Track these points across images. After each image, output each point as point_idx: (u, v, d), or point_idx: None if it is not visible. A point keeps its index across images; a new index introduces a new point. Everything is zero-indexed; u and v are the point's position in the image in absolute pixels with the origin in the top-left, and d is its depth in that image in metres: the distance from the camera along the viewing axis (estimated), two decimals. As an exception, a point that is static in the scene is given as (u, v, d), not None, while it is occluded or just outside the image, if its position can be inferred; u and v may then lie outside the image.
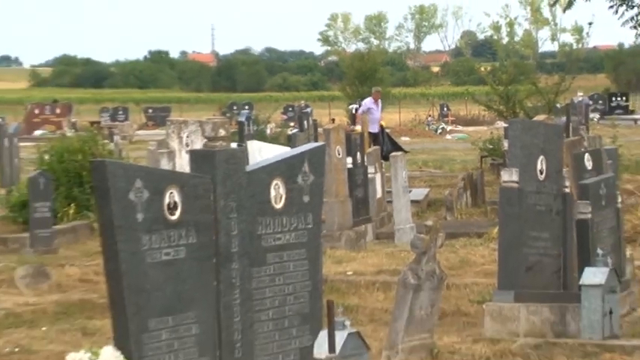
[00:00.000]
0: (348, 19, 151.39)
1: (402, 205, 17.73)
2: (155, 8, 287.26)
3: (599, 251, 10.28)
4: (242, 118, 35.67)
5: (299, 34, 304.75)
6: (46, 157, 20.25)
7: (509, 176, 10.64)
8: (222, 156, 6.42)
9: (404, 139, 42.67)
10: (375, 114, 31.27)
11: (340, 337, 8.05)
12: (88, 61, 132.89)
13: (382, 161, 21.02)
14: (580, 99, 47.49)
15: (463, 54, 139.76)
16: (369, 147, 22.65)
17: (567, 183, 10.98)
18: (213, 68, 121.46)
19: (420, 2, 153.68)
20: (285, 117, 55.50)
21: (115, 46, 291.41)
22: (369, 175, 18.93)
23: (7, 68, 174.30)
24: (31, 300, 12.86)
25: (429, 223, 10.15)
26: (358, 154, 18.67)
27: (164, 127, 24.71)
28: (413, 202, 19.22)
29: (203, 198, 6.29)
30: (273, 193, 6.64)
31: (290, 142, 26.86)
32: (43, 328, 11.29)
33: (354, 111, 39.63)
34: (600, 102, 63.35)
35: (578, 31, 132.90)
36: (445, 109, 62.02)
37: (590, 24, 72.78)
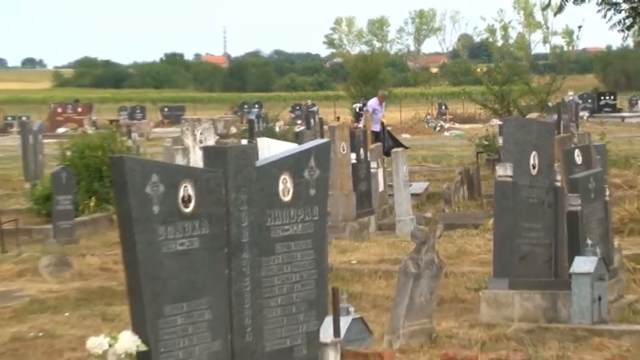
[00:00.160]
0: (352, 22, 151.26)
1: (402, 198, 17.73)
2: (171, 13, 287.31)
3: (589, 241, 10.27)
4: (252, 117, 35.68)
5: (306, 37, 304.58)
6: (68, 153, 20.28)
7: (504, 171, 10.63)
8: (234, 152, 6.42)
9: (404, 136, 42.65)
10: (379, 114, 31.34)
11: (345, 322, 8.05)
12: (107, 63, 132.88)
13: (384, 157, 21.00)
14: (570, 98, 47.43)
15: (460, 56, 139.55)
16: (372, 144, 22.62)
17: (558, 177, 10.97)
18: (225, 69, 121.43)
19: (419, 7, 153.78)
20: (292, 115, 55.49)
21: (132, 48, 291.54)
22: (372, 170, 18.94)
23: (32, 69, 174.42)
24: (55, 287, 12.88)
25: (429, 215, 10.15)
26: (362, 150, 18.68)
27: (179, 125, 24.70)
28: (413, 195, 19.22)
29: (215, 191, 6.28)
30: (281, 186, 6.63)
31: (297, 138, 26.83)
32: (66, 314, 11.30)
33: (357, 109, 39.62)
34: (589, 101, 63.25)
35: (568, 34, 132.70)
36: (443, 107, 62.00)
37: (579, 27, 72.77)
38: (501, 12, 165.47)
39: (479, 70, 51.49)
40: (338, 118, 44.81)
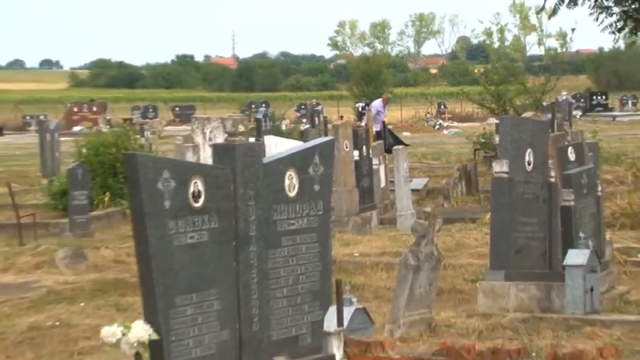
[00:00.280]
0: (355, 25, 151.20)
1: (403, 193, 17.72)
2: (182, 17, 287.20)
3: (581, 235, 10.27)
4: (259, 116, 35.62)
5: (311, 40, 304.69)
6: (84, 150, 20.29)
7: (500, 167, 10.63)
8: (242, 149, 6.42)
9: (405, 134, 42.62)
10: (381, 116, 31.41)
11: (348, 312, 8.06)
12: (121, 64, 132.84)
13: (385, 154, 20.99)
14: (564, 98, 47.33)
15: (458, 57, 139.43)
16: (374, 141, 22.61)
17: (552, 173, 10.96)
18: (234, 70, 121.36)
19: (419, 10, 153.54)
20: (298, 114, 55.39)
21: (145, 50, 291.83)
22: (374, 167, 18.93)
23: (49, 70, 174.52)
24: (70, 279, 12.90)
25: (428, 209, 10.18)
26: (364, 147, 18.67)
27: (189, 124, 24.70)
28: (413, 190, 19.20)
29: (224, 187, 6.28)
30: (287, 182, 6.63)
31: (302, 136, 26.81)
32: (81, 304, 11.31)
33: (360, 109, 39.61)
34: (582, 100, 63.15)
35: (562, 36, 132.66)
36: (442, 107, 61.93)
37: (573, 30, 72.72)
38: (498, 15, 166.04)
39: (476, 70, 51.50)
40: (341, 117, 44.78)
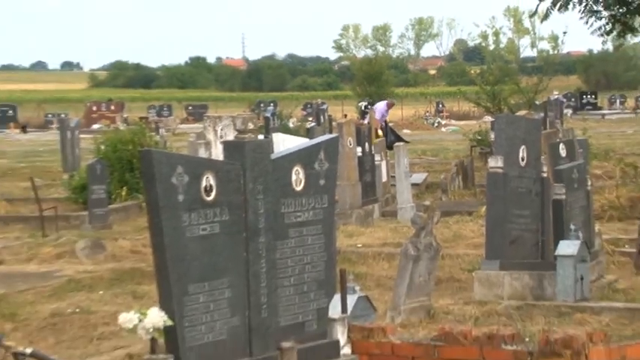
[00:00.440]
0: (358, 29, 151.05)
1: (403, 187, 17.71)
2: (195, 21, 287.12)
3: (572, 227, 10.26)
4: (268, 114, 35.70)
5: (316, 42, 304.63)
6: (102, 147, 20.31)
7: (495, 163, 10.62)
8: (251, 146, 6.41)
9: (405, 131, 42.61)
10: (385, 117, 31.46)
11: (351, 300, 8.06)
12: (137, 66, 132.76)
13: (387, 150, 20.98)
14: (555, 97, 47.26)
15: (456, 59, 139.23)
16: (376, 139, 22.60)
17: (545, 168, 10.95)
18: (244, 71, 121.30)
19: (419, 15, 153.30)
20: (304, 113, 55.41)
21: (160, 52, 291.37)
22: (376, 162, 18.92)
23: (70, 72, 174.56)
24: (90, 268, 12.90)
25: (427, 203, 10.16)
26: (367, 144, 18.66)
27: (202, 122, 24.72)
28: (413, 185, 19.19)
29: (234, 182, 6.28)
30: (294, 177, 6.62)
31: (309, 134, 26.80)
32: (100, 292, 11.31)
33: (363, 108, 39.61)
34: (573, 100, 63.12)
35: (554, 39, 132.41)
36: (440, 105, 61.89)
37: (564, 33, 72.54)
38: (493, 19, 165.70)
39: (473, 71, 51.40)
40: (345, 115, 44.71)
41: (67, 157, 27.85)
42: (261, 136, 20.31)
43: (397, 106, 56.67)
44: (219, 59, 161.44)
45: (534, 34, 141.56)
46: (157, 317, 5.85)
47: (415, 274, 9.52)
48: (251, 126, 15.20)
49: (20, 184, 23.31)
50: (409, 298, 9.45)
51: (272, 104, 59.31)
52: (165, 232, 5.93)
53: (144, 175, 6.05)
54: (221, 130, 16.43)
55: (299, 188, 6.65)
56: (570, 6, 21.81)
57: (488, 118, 35.22)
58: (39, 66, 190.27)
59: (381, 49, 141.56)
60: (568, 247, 9.98)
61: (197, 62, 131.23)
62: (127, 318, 5.91)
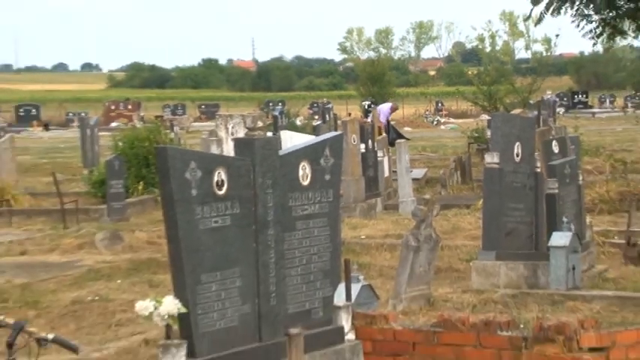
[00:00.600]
0: (362, 32, 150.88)
1: (405, 182, 17.70)
2: (207, 25, 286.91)
3: (564, 219, 10.25)
4: (276, 113, 35.65)
5: (322, 45, 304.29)
6: (120, 144, 20.32)
7: (492, 159, 10.60)
8: (260, 143, 6.40)
9: (406, 129, 42.56)
10: (387, 118, 31.49)
11: (355, 288, 8.05)
12: (153, 67, 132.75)
13: (389, 147, 20.96)
14: (548, 96, 47.17)
15: (454, 60, 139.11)
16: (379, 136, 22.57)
17: (538, 164, 10.93)
18: (253, 72, 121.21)
19: (419, 19, 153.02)
20: (311, 112, 55.33)
21: (175, 54, 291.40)
22: (379, 158, 18.91)
23: (89, 73, 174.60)
24: (108, 258, 12.91)
25: (427, 196, 10.15)
26: (370, 141, 18.65)
27: (214, 120, 24.70)
28: (414, 179, 19.18)
29: (245, 177, 6.27)
30: (301, 172, 6.62)
31: (315, 131, 26.78)
32: (118, 281, 11.32)
33: (366, 107, 39.58)
34: (565, 99, 63.06)
35: (547, 41, 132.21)
36: (440, 105, 61.86)
37: (557, 36, 72.43)
38: (489, 23, 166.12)
39: (470, 72, 51.43)
40: (349, 114, 44.64)
41: (86, 154, 27.88)
42: (269, 134, 20.31)
43: (398, 106, 56.76)
44: (230, 61, 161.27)
45: (528, 36, 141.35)
46: (171, 305, 5.85)
47: (416, 264, 9.51)
48: (260, 124, 15.22)
49: (43, 179, 23.35)
50: (410, 286, 9.44)
51: (280, 103, 59.32)
52: (180, 224, 5.92)
53: (159, 170, 6.05)
54: (232, 127, 16.43)
55: (306, 183, 6.64)
56: (563, 10, 21.79)
57: (485, 117, 35.14)
58: (60, 67, 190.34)
59: (383, 51, 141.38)
60: (560, 239, 9.96)
61: (209, 64, 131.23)
62: (144, 305, 5.90)
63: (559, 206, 10.58)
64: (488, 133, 19.49)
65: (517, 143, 10.76)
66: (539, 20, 22.12)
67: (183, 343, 5.87)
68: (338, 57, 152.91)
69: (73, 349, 5.69)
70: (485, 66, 49.05)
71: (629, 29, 22.93)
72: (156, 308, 5.85)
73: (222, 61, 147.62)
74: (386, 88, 58.69)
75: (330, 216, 6.77)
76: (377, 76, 58.85)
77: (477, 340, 6.74)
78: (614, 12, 21.85)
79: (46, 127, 53.58)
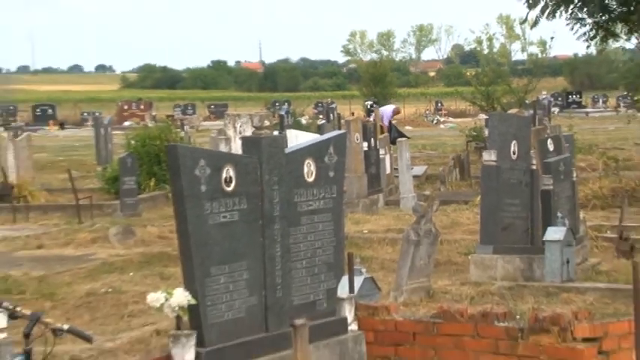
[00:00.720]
0: (365, 35, 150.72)
1: (405, 179, 17.69)
2: (216, 28, 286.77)
3: (559, 214, 10.24)
4: (282, 112, 35.67)
5: (326, 47, 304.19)
6: (133, 142, 20.32)
7: (489, 156, 10.59)
8: (267, 141, 6.40)
9: (407, 128, 42.53)
10: (390, 120, 31.44)
11: (358, 281, 8.05)
12: (164, 69, 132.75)
13: (390, 145, 20.94)
14: (544, 97, 47.20)
15: (453, 62, 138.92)
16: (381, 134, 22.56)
17: (534, 161, 10.92)
18: (260, 74, 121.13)
19: (420, 22, 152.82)
20: (315, 111, 55.33)
21: (185, 56, 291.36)
22: (381, 156, 18.90)
23: (103, 74, 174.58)
24: (121, 252, 12.92)
25: (427, 193, 10.13)
26: (372, 139, 18.64)
27: (222, 119, 24.69)
28: (414, 176, 19.17)
29: (252, 173, 6.26)
30: (306, 169, 6.61)
31: (319, 130, 26.76)
32: (130, 274, 11.32)
33: (369, 106, 39.52)
34: (559, 99, 63.00)
35: (542, 43, 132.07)
36: (439, 104, 61.79)
37: (552, 38, 72.42)
38: (487, 26, 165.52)
39: (468, 73, 51.34)
40: (353, 113, 44.61)
41: (100, 152, 27.89)
42: (276, 132, 20.31)
43: (399, 105, 56.68)
44: (238, 62, 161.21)
45: (524, 39, 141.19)
46: (181, 297, 5.85)
47: (416, 257, 9.50)
48: (267, 123, 15.22)
49: (58, 176, 23.38)
50: (410, 279, 9.44)
51: (286, 103, 59.27)
52: (189, 219, 5.92)
53: (170, 167, 6.04)
54: (240, 126, 16.43)
55: (310, 179, 6.63)
56: (557, 14, 21.79)
57: (483, 116, 35.11)
58: (76, 69, 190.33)
59: (385, 53, 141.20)
60: (555, 233, 9.95)
61: (218, 65, 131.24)
62: (155, 297, 5.90)
63: (554, 202, 10.57)
64: (486, 131, 19.50)
65: (513, 141, 10.75)
66: (535, 23, 22.10)
67: (192, 334, 5.87)
68: (342, 59, 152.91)
69: (87, 339, 5.69)
70: (483, 67, 48.99)
71: (621, 32, 22.91)
72: (167, 300, 5.85)
73: (231, 63, 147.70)
74: (388, 89, 58.63)
75: (333, 211, 6.76)
76: (379, 77, 58.79)
77: (474, 330, 6.73)
78: (606, 15, 21.83)
79: (61, 126, 53.62)
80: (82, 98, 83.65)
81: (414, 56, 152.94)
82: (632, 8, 21.11)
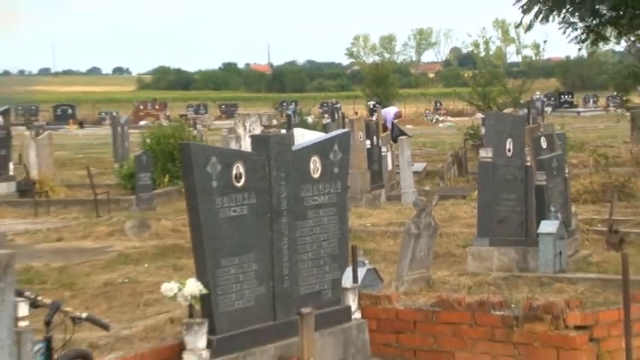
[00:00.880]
0: (368, 38, 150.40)
1: (406, 175, 17.68)
2: (227, 32, 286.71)
3: (552, 208, 10.22)
4: (290, 112, 35.64)
5: (331, 50, 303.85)
6: (148, 140, 20.32)
7: (486, 153, 10.57)
8: (275, 139, 6.39)
9: (408, 126, 42.48)
10: (392, 122, 31.41)
11: (361, 272, 8.04)
12: (178, 71, 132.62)
13: (392, 143, 20.93)
14: (537, 97, 47.10)
15: (451, 64, 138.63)
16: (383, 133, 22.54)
17: (528, 158, 10.90)
18: (269, 75, 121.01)
19: (420, 26, 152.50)
20: (321, 111, 55.29)
21: (197, 59, 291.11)
22: (383, 153, 18.89)
23: (120, 76, 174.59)
24: (137, 244, 12.92)
25: (427, 188, 10.11)
26: (374, 137, 18.63)
27: (233, 119, 24.69)
28: (415, 173, 19.16)
29: (261, 170, 6.25)
30: (312, 166, 6.60)
31: (324, 129, 26.74)
32: (145, 265, 11.32)
33: (371, 106, 39.47)
34: (552, 99, 62.90)
35: (536, 46, 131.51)
36: (438, 104, 61.74)
37: (545, 42, 72.30)
38: (484, 30, 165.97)
39: (466, 75, 51.22)
40: (356, 112, 44.61)
41: (117, 149, 27.90)
42: (283, 131, 20.28)
43: (401, 105, 56.68)
44: (247, 65, 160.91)
45: (519, 42, 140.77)
46: (194, 286, 5.85)
47: (416, 249, 9.49)
48: (275, 122, 15.18)
49: (78, 173, 23.39)
50: (411, 270, 9.43)
51: (293, 103, 59.22)
52: (201, 213, 5.91)
53: (183, 164, 6.04)
54: (249, 125, 16.42)
55: (316, 175, 6.62)
56: (550, 18, 21.79)
57: (480, 115, 35.06)
58: (94, 71, 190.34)
59: (387, 55, 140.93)
60: (548, 226, 9.93)
61: (229, 67, 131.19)
62: (169, 287, 5.90)
63: (547, 197, 10.55)
64: (483, 130, 19.45)
65: (509, 139, 10.73)
66: (529, 27, 22.09)
67: (204, 322, 5.87)
68: (346, 61, 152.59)
69: (105, 327, 5.69)
70: (480, 69, 48.79)
71: (610, 35, 22.91)
72: (180, 290, 5.85)
73: (241, 65, 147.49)
74: (389, 90, 58.55)
75: (338, 206, 6.75)
76: (381, 78, 58.72)
77: (472, 318, 6.72)
78: (597, 20, 21.81)
79: (81, 125, 53.66)
80: (100, 99, 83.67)
81: (414, 58, 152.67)
82: (621, 13, 21.10)
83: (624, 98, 47.33)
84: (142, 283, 10.16)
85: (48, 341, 5.35)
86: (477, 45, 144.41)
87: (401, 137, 19.73)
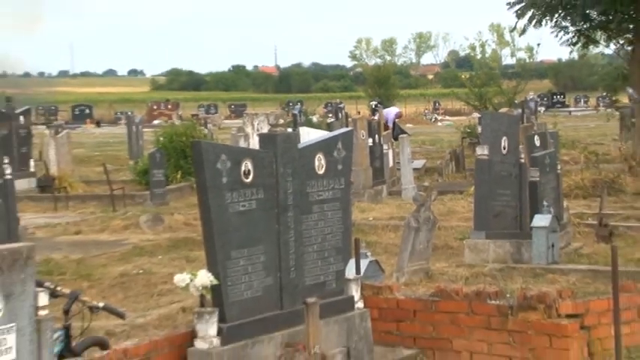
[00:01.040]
0: (370, 42, 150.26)
1: (407, 171, 17.67)
2: (236, 35, 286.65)
3: (545, 203, 10.21)
4: (296, 111, 35.60)
5: (335, 53, 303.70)
6: (161, 138, 20.35)
7: (482, 151, 10.57)
8: (282, 138, 6.38)
9: (408, 125, 42.42)
10: (393, 121, 31.36)
11: (364, 263, 8.04)
12: (190, 72, 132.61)
13: (393, 141, 20.91)
14: (531, 97, 47.00)
15: (449, 66, 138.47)
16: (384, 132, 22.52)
17: (522, 156, 10.88)
18: (276, 77, 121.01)
19: (419, 30, 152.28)
20: (325, 110, 55.21)
21: (208, 61, 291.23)
22: (384, 151, 18.87)
23: (135, 77, 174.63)
24: (151, 237, 12.94)
25: (426, 184, 10.10)
26: (376, 136, 18.61)
27: (242, 118, 24.68)
28: (414, 169, 19.14)
29: (268, 167, 6.25)
30: (317, 163, 6.59)
31: (329, 128, 26.73)
32: (159, 257, 11.34)
33: (373, 106, 39.44)
34: (545, 99, 62.77)
35: (529, 49, 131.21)
36: (437, 104, 61.66)
37: (538, 45, 72.19)
38: (480, 33, 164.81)
39: (463, 76, 51.17)
40: (359, 112, 44.61)
41: (132, 147, 27.91)
42: (290, 130, 20.27)
43: (401, 105, 56.63)
44: (255, 67, 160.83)
45: (514, 45, 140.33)
46: (205, 277, 5.84)
47: (416, 242, 9.48)
48: (282, 121, 15.18)
49: (95, 169, 23.42)
50: (411, 262, 9.42)
51: (299, 103, 59.20)
52: (212, 208, 5.91)
53: (194, 161, 6.03)
54: (257, 124, 16.40)
55: (321, 172, 6.61)
56: (543, 22, 21.79)
57: (476, 115, 35.04)
58: (110, 73, 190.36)
59: (388, 58, 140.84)
60: (541, 220, 9.92)
61: (238, 69, 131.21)
62: (181, 278, 5.90)
63: (540, 192, 10.54)
64: (479, 129, 19.44)
65: (504, 138, 10.72)
66: (523, 31, 22.10)
67: (215, 311, 5.87)
68: (349, 63, 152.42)
69: (121, 316, 5.70)
70: (477, 71, 48.81)
71: (600, 39, 22.89)
72: (192, 280, 5.85)
73: (249, 67, 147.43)
74: (390, 90, 58.54)
75: (342, 201, 6.74)
76: (383, 80, 58.70)
77: (469, 307, 6.72)
78: (588, 24, 21.80)
79: (97, 124, 53.71)
80: (116, 99, 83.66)
81: (414, 61, 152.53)
82: (610, 17, 21.08)
83: (613, 98, 47.25)
84: (156, 274, 10.18)
85: (67, 329, 5.35)
86: (473, 48, 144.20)
87: (401, 136, 19.71)
